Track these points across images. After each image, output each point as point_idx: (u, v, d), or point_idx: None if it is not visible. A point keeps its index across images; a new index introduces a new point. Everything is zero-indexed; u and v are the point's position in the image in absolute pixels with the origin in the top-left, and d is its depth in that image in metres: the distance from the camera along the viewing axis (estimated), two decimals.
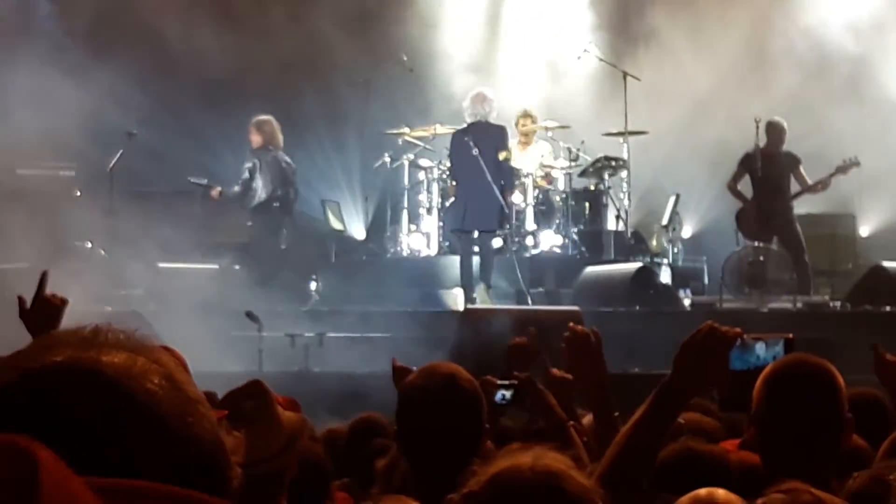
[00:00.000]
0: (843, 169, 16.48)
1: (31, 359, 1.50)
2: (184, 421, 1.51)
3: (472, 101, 16.40)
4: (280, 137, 16.93)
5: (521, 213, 17.06)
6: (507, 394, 5.23)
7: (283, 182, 16.74)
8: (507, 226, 16.32)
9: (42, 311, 5.04)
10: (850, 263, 18.30)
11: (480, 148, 15.84)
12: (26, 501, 1.28)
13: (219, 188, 16.69)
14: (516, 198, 16.82)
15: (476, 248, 16.20)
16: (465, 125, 16.35)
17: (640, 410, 3.59)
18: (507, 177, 16.25)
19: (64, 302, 5.13)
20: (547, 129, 17.48)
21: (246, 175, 16.56)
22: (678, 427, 4.65)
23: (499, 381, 4.75)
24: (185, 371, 1.60)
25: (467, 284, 15.73)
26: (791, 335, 4.31)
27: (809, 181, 16.58)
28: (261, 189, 16.57)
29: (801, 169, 16.64)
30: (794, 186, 16.72)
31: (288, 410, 5.52)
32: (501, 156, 16.07)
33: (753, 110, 16.74)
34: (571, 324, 4.42)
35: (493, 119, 16.38)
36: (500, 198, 15.92)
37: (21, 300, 5.13)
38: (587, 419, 6.47)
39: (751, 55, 18.75)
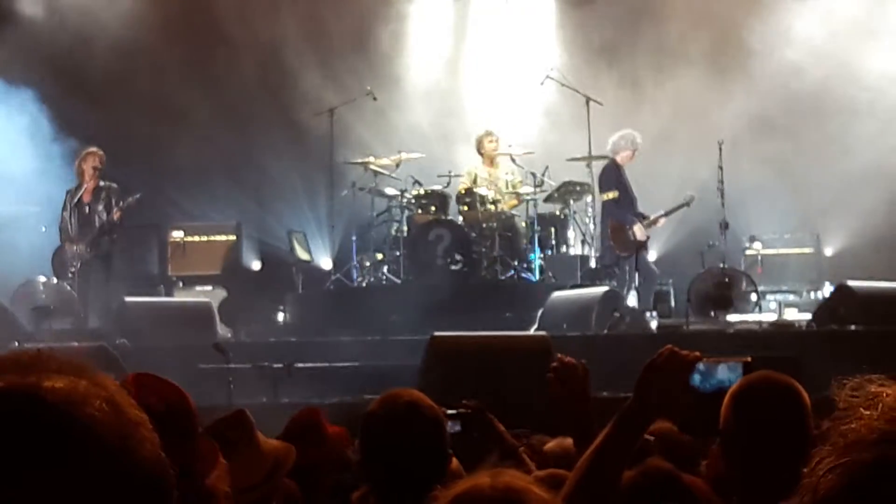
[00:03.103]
0: None
1: None
2: (125, 445, 1.50)
3: None
4: None
5: (487, 239, 17.13)
6: (457, 424, 5.15)
7: None
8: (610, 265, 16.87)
9: None
10: (816, 283, 18.41)
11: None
12: None
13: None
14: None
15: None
16: None
17: (603, 433, 3.62)
18: (607, 213, 16.78)
19: None
20: (511, 155, 17.55)
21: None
22: (646, 445, 4.67)
23: (448, 412, 4.70)
24: (183, 404, 1.59)
25: None
26: (749, 358, 4.34)
27: None
28: None
29: None
30: None
31: (338, 440, 5.54)
32: (601, 196, 16.77)
33: (716, 133, 16.84)
34: (559, 355, 4.39)
35: (613, 154, 16.87)
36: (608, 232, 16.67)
37: None
38: (553, 444, 6.51)
39: (713, 78, 18.85)
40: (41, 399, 1.48)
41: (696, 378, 4.11)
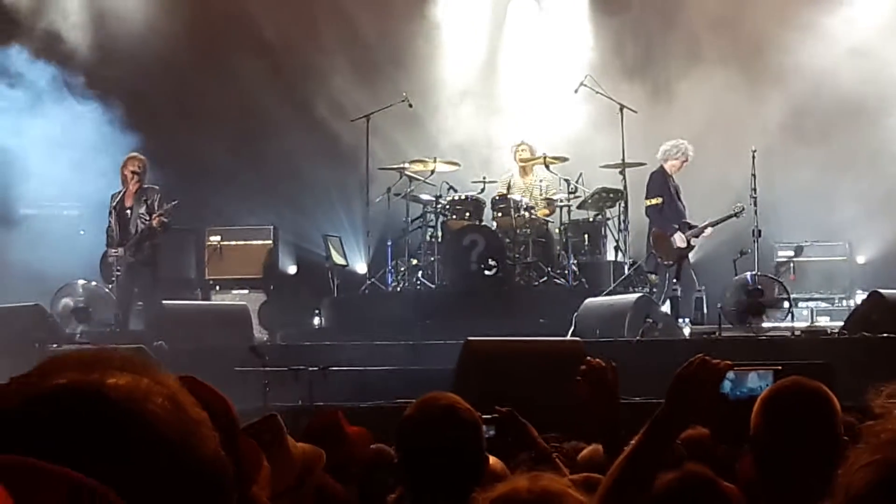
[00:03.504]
0: None
1: (35, 382, 1.50)
2: (187, 442, 1.51)
3: None
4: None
5: (521, 245, 17.21)
6: (491, 428, 5.19)
7: None
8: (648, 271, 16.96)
9: None
10: (848, 291, 18.41)
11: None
12: None
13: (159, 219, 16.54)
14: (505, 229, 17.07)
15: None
16: None
17: (636, 440, 3.66)
18: (651, 219, 16.80)
19: None
20: (545, 161, 17.62)
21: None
22: (677, 453, 4.72)
23: (482, 417, 4.73)
24: (226, 410, 1.62)
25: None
26: (780, 366, 4.36)
27: None
28: None
29: None
30: None
31: (358, 440, 5.65)
32: (645, 202, 16.73)
33: (749, 141, 16.87)
34: (589, 357, 4.41)
35: (661, 161, 16.82)
36: (650, 239, 16.78)
37: None
38: (586, 452, 6.58)
39: (745, 86, 18.88)
40: (104, 396, 1.48)
41: (727, 385, 4.17)
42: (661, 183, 16.61)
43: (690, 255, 16.96)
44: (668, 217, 16.55)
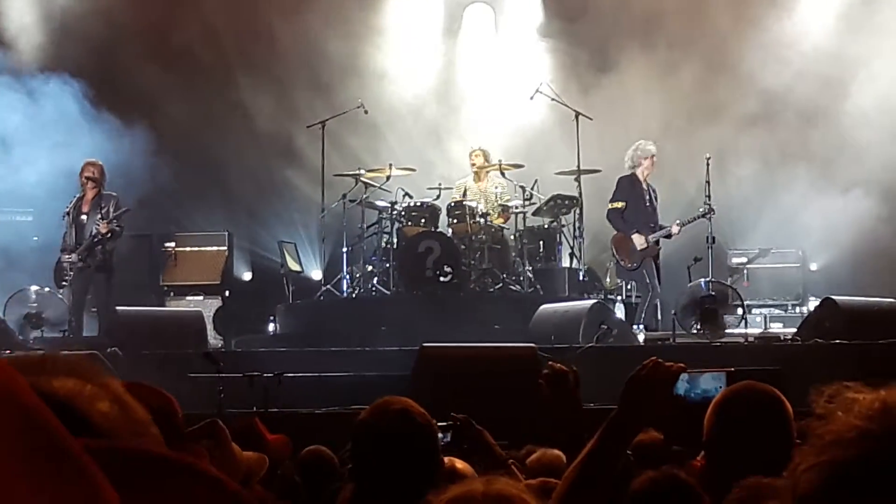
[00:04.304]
0: None
1: None
2: (137, 441, 1.50)
3: None
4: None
5: (476, 251, 17.23)
6: (446, 435, 5.19)
7: None
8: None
9: None
10: (801, 297, 18.51)
11: None
12: None
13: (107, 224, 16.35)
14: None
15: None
16: None
17: (590, 444, 3.64)
18: (612, 224, 16.76)
19: None
20: (501, 167, 17.63)
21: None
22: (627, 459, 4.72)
23: (438, 424, 4.72)
24: (172, 410, 1.60)
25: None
26: (732, 369, 4.39)
27: None
28: None
29: None
30: None
31: (278, 447, 5.67)
32: (608, 205, 16.67)
33: (703, 149, 16.93)
34: (551, 362, 4.38)
35: (631, 168, 16.68)
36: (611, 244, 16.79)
37: None
38: (535, 457, 6.58)
39: (701, 93, 18.98)
40: (54, 396, 1.47)
41: (682, 388, 4.18)
42: (626, 188, 16.58)
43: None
44: (631, 222, 16.51)
